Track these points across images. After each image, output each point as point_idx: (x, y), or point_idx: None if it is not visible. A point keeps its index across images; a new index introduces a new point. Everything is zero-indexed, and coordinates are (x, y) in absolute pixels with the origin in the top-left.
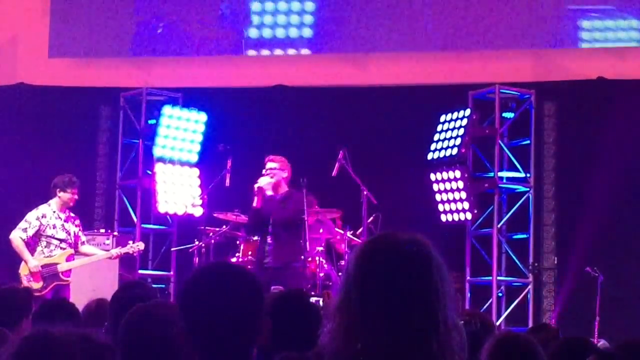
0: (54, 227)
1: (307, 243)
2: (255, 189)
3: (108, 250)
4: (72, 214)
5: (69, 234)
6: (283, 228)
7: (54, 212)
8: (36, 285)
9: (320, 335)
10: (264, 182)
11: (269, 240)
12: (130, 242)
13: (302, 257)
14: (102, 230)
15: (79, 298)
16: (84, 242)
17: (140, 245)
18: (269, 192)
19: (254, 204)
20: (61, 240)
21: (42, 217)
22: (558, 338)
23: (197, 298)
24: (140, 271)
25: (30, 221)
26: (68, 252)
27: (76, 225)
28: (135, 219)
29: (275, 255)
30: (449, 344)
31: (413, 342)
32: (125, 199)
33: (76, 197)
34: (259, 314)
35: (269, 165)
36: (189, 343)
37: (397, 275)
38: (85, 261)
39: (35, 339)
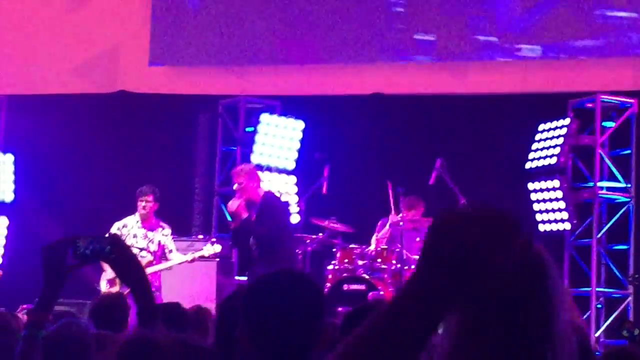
0: (135, 236)
1: (405, 251)
2: (231, 213)
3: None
4: (162, 224)
5: (152, 242)
6: (264, 245)
7: (137, 221)
8: (113, 290)
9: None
10: (233, 207)
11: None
12: (209, 244)
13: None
14: (200, 237)
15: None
16: (171, 250)
17: (217, 248)
18: (244, 215)
19: (232, 225)
20: (141, 249)
21: (123, 227)
22: None
23: (259, 304)
24: (237, 277)
25: (113, 231)
26: (146, 260)
27: (164, 235)
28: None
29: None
30: (562, 354)
31: (526, 351)
32: (223, 205)
33: (144, 204)
34: (319, 321)
35: (235, 184)
36: (250, 347)
37: (512, 281)
38: (160, 268)
39: (135, 342)
